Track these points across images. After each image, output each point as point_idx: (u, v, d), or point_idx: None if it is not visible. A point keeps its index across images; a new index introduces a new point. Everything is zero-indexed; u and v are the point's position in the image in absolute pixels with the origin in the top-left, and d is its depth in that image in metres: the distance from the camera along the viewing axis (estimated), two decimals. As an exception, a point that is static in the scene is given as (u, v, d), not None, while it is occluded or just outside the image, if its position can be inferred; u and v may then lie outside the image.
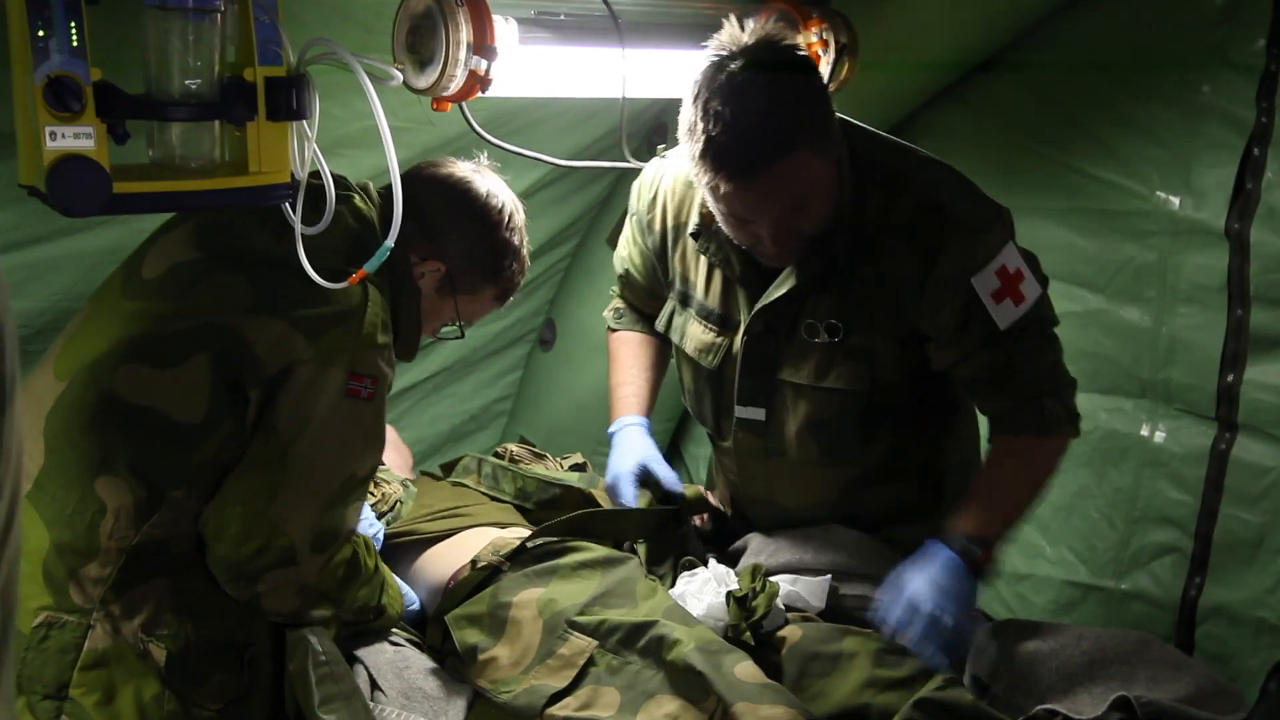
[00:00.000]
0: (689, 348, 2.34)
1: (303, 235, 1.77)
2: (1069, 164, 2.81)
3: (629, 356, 2.59)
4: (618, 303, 2.65)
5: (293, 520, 1.85)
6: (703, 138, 1.92)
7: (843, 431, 2.22)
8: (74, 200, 1.47)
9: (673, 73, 2.26)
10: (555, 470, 2.75)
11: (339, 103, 2.26)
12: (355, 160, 2.41)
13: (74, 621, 1.82)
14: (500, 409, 3.62)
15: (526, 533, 2.35)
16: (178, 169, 1.63)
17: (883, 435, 2.24)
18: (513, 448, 2.87)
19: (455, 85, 1.93)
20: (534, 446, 2.95)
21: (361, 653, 2.12)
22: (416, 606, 2.28)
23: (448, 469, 2.74)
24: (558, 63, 2.17)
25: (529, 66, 2.10)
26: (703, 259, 2.27)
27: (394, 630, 2.20)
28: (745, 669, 1.94)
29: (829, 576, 2.23)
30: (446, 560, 2.32)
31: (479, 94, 1.96)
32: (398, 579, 2.27)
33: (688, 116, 1.96)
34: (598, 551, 2.27)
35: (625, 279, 2.57)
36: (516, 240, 2.14)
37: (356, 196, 1.96)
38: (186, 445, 1.83)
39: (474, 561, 2.24)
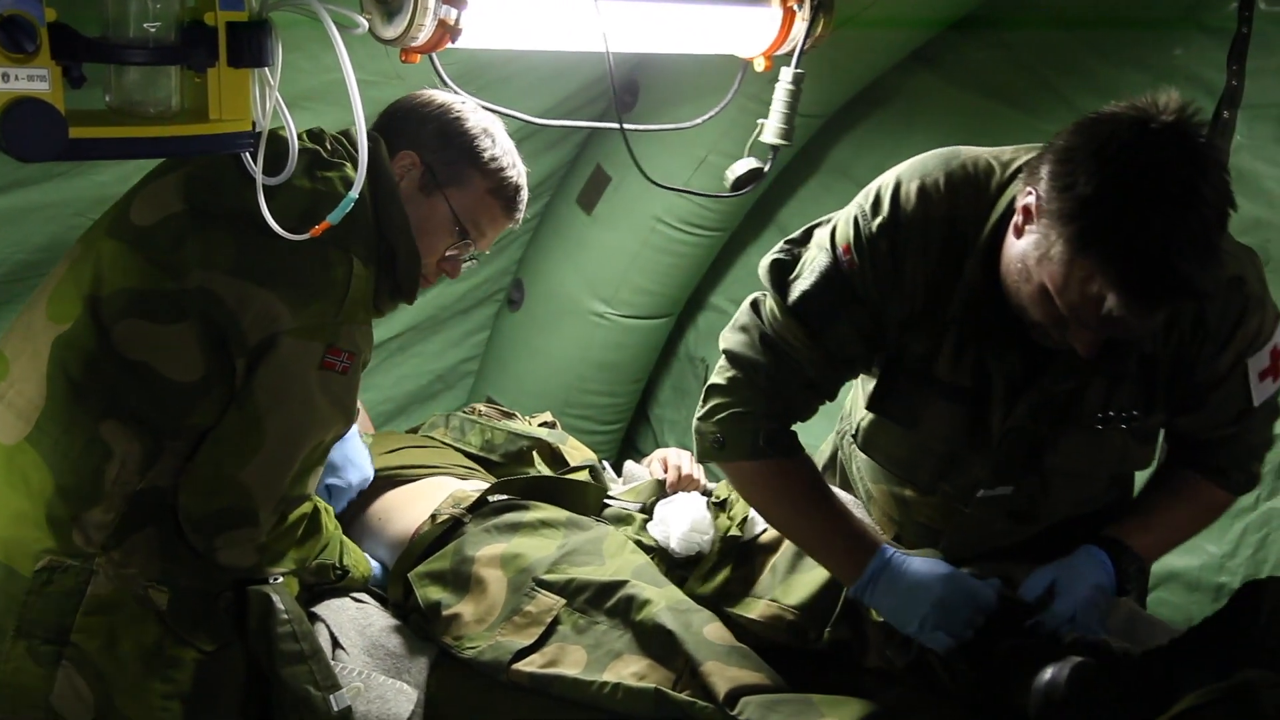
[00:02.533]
0: (925, 431, 1.97)
1: (264, 188, 1.75)
2: (1039, 128, 2.75)
3: (811, 495, 2.02)
4: (741, 411, 1.96)
5: (259, 486, 1.87)
6: (1115, 243, 1.56)
7: (1104, 497, 2.10)
8: (27, 145, 1.43)
9: (646, 27, 2.23)
10: (525, 427, 2.75)
11: (305, 55, 2.22)
12: (320, 114, 2.36)
13: (77, 566, 1.82)
14: (467, 369, 3.60)
15: (487, 485, 2.35)
16: (136, 115, 1.59)
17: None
18: (481, 408, 2.86)
19: (424, 35, 1.90)
20: (501, 406, 2.95)
21: (323, 611, 2.12)
22: (379, 573, 2.28)
23: (414, 434, 2.74)
24: (529, 14, 2.14)
25: (499, 17, 2.07)
26: (949, 331, 1.87)
27: (356, 587, 2.20)
28: (714, 630, 1.95)
29: None
30: (407, 514, 2.31)
31: (449, 44, 1.92)
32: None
33: (1082, 194, 1.57)
34: (560, 513, 2.27)
35: (793, 386, 1.95)
36: (487, 123, 2.06)
37: (349, 165, 1.92)
38: (180, 403, 1.83)
39: (434, 516, 2.24)
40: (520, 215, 2.10)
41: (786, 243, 1.98)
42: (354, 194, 1.77)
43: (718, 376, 1.99)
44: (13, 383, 1.87)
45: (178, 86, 1.61)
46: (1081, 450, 1.93)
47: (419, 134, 2.00)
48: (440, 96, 2.06)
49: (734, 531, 2.20)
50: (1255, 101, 2.51)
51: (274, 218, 1.77)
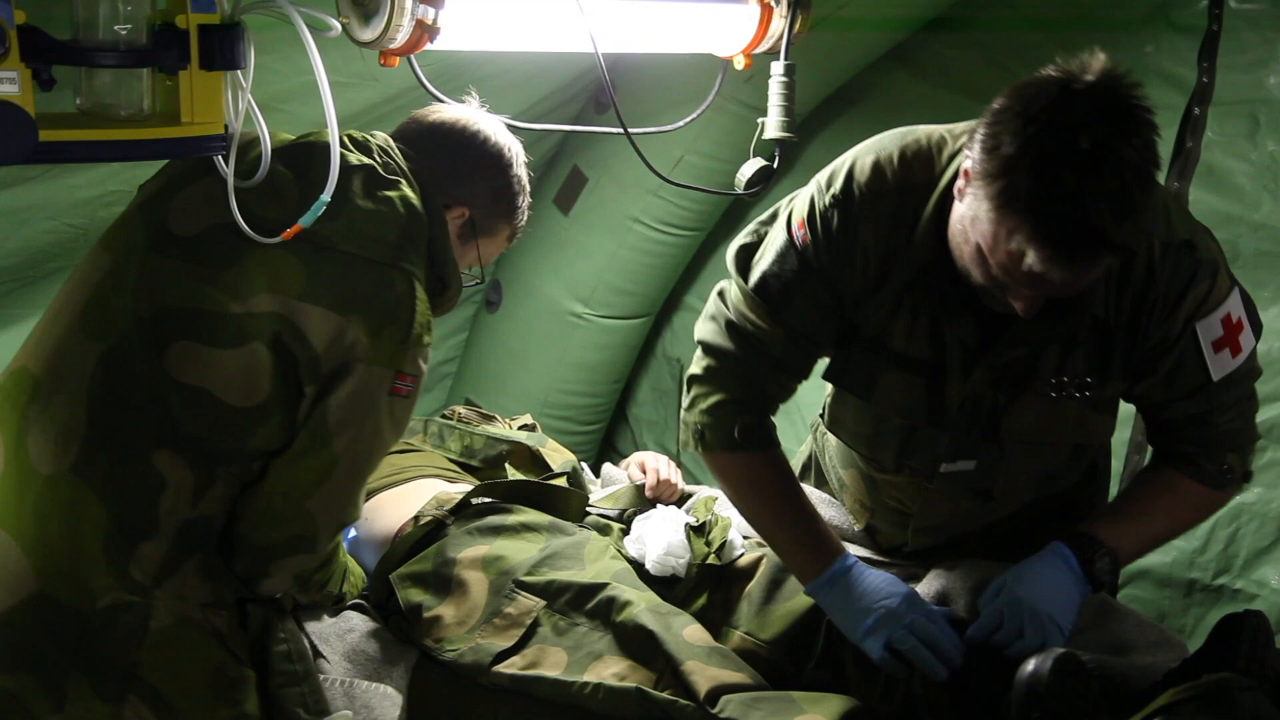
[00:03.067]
0: (883, 401, 1.99)
1: (354, 220, 1.81)
2: None
3: (781, 491, 2.04)
4: (716, 401, 1.99)
5: (323, 514, 1.88)
6: (1032, 202, 1.58)
7: (1067, 474, 2.08)
8: (-3, 148, 1.43)
9: (624, 26, 2.23)
10: (504, 430, 2.74)
11: (279, 57, 2.22)
12: (295, 115, 2.36)
13: (139, 603, 1.77)
14: (446, 370, 3.59)
15: (470, 487, 2.34)
16: (107, 117, 1.58)
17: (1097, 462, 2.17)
18: (460, 410, 2.85)
19: (402, 36, 1.88)
20: (481, 408, 2.94)
21: (301, 617, 2.10)
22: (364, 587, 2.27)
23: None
24: (508, 14, 2.13)
25: (478, 17, 2.07)
26: (903, 300, 1.90)
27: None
28: (694, 632, 1.95)
29: None
30: (391, 514, 2.30)
31: (427, 45, 1.92)
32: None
33: (1005, 154, 1.59)
34: (543, 517, 2.27)
35: (763, 364, 1.97)
36: (524, 175, 2.13)
37: (405, 182, 1.92)
38: (238, 429, 1.80)
39: (417, 517, 2.23)
40: None
41: (756, 223, 2.02)
42: (325, 197, 1.75)
43: (695, 367, 2.03)
44: (45, 405, 1.79)
45: (149, 89, 1.60)
46: (1037, 417, 1.93)
47: (475, 190, 2.04)
48: (494, 142, 2.06)
49: (711, 559, 2.16)
50: (1226, 98, 2.53)
51: (356, 240, 1.82)
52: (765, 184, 2.46)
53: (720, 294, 2.01)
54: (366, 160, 1.89)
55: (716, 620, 2.10)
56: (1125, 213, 1.57)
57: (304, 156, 1.85)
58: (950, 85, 2.92)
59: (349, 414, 1.83)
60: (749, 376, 1.98)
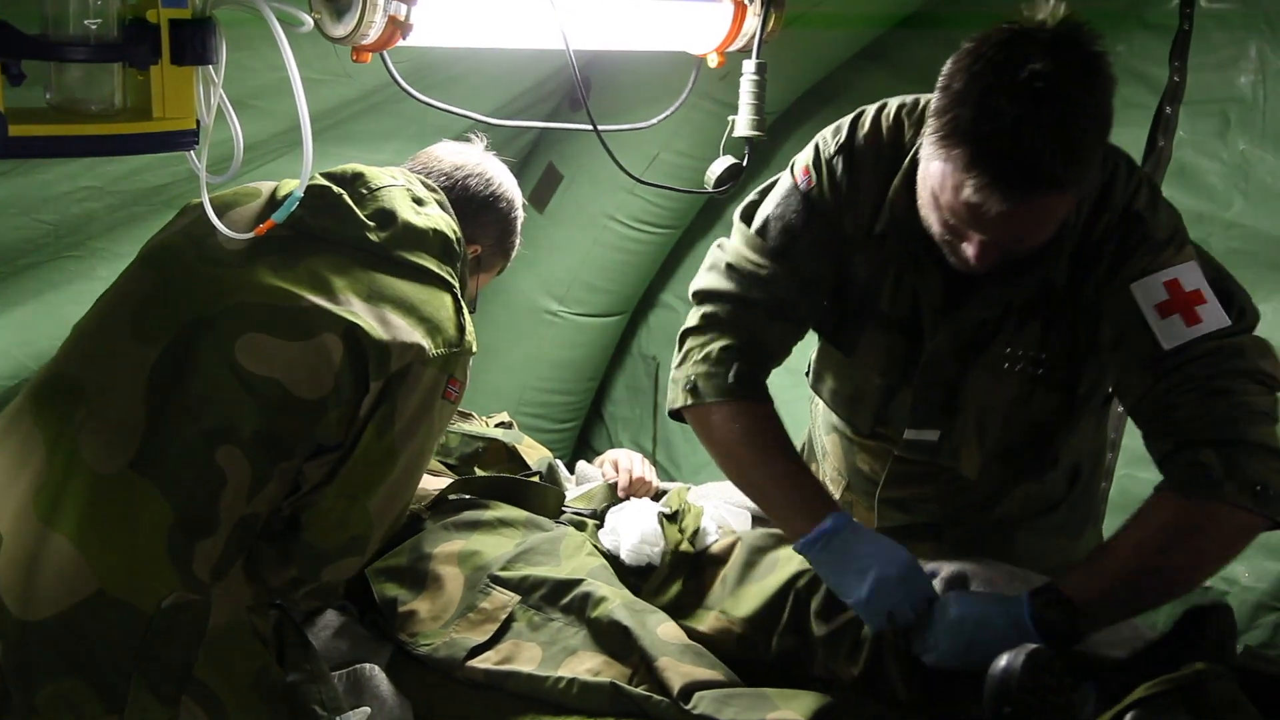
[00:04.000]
0: (866, 361, 2.01)
1: (405, 232, 1.91)
2: None
3: (776, 443, 1.99)
4: (712, 349, 1.97)
5: (379, 515, 1.92)
6: (972, 130, 1.60)
7: (1030, 456, 2.03)
8: (-33, 143, 1.42)
9: (599, 24, 2.23)
10: (481, 428, 2.74)
11: (252, 53, 2.21)
12: (268, 111, 2.37)
13: (199, 601, 1.77)
14: (421, 369, 3.58)
15: (449, 482, 2.35)
16: (77, 113, 1.57)
17: (1067, 451, 2.08)
18: (435, 408, 2.85)
19: (375, 32, 1.88)
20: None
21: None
22: None
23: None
24: (481, 11, 2.13)
25: (451, 13, 2.06)
26: (884, 255, 1.93)
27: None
28: (668, 630, 1.96)
29: (751, 507, 2.27)
30: None
31: (400, 41, 1.91)
32: None
33: (954, 90, 1.63)
34: (520, 513, 2.27)
35: (753, 306, 1.97)
36: (523, 214, 2.29)
37: (436, 203, 2.05)
38: (303, 420, 1.83)
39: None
40: None
41: (758, 191, 2.06)
42: (299, 193, 1.77)
43: (689, 319, 2.04)
44: (94, 410, 1.79)
45: (120, 84, 1.60)
46: (988, 387, 1.94)
47: (486, 229, 2.20)
48: (506, 188, 2.23)
49: (685, 546, 2.19)
50: (1197, 97, 2.55)
51: (408, 249, 1.93)
52: (735, 182, 2.47)
53: (719, 245, 2.05)
54: (399, 182, 2.02)
55: (690, 605, 2.12)
56: (1063, 147, 1.58)
57: (347, 178, 1.97)
58: (925, 82, 2.87)
59: (412, 416, 1.89)
60: (748, 320, 1.97)
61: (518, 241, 2.30)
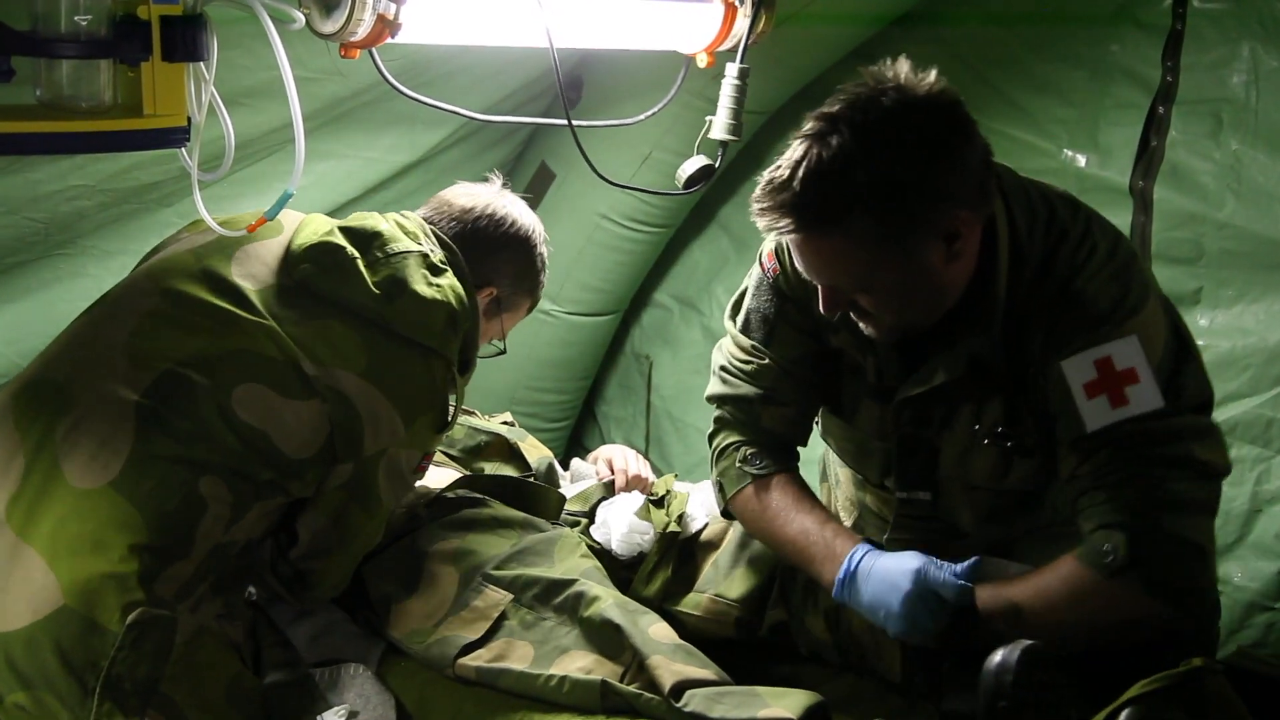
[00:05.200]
0: (864, 427, 2.03)
1: (413, 306, 1.94)
2: (980, 123, 2.76)
3: (798, 501, 2.01)
4: (725, 448, 2.08)
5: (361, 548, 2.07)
6: (767, 172, 1.72)
7: (1023, 514, 2.01)
8: (-44, 139, 1.42)
9: (589, 23, 2.23)
10: (484, 422, 2.75)
11: (244, 52, 2.20)
12: (260, 109, 2.36)
13: (166, 617, 1.76)
14: (414, 367, 3.57)
15: (453, 476, 2.35)
16: (67, 109, 1.57)
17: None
18: (439, 405, 2.85)
19: (364, 30, 1.88)
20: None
21: (269, 610, 2.10)
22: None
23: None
24: (471, 9, 2.13)
25: (440, 11, 2.06)
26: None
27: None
28: (659, 630, 1.96)
29: None
30: None
31: (389, 39, 1.92)
32: None
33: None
34: (517, 513, 2.27)
35: (759, 402, 2.04)
36: (545, 253, 2.29)
37: (452, 273, 2.05)
38: (286, 473, 1.87)
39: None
40: None
41: (741, 289, 2.10)
42: (292, 189, 1.75)
43: (711, 427, 2.13)
44: (80, 423, 1.78)
45: (110, 81, 1.60)
46: (964, 461, 1.93)
47: (501, 270, 2.20)
48: (521, 226, 2.22)
49: (673, 527, 2.21)
50: (1189, 97, 2.55)
51: (412, 326, 1.94)
52: (707, 182, 2.48)
53: (718, 348, 2.12)
54: (418, 246, 2.02)
55: (681, 592, 2.15)
56: (822, 182, 1.66)
57: (365, 237, 1.99)
58: (917, 83, 2.93)
59: (391, 489, 2.00)
60: (748, 416, 2.05)
61: (543, 278, 2.29)
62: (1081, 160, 2.69)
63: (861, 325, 1.85)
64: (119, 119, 1.60)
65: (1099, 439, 1.74)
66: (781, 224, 1.70)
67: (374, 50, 1.97)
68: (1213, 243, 2.55)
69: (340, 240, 1.95)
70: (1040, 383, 1.81)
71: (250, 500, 1.84)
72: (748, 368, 2.04)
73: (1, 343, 2.59)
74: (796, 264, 1.81)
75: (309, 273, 1.92)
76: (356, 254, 1.95)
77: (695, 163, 2.45)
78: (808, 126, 1.71)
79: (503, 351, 2.31)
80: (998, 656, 1.67)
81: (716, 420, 2.11)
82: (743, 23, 2.33)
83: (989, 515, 2.01)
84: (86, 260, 2.59)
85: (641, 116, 2.46)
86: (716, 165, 2.46)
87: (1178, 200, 2.57)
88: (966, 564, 1.82)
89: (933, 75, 1.71)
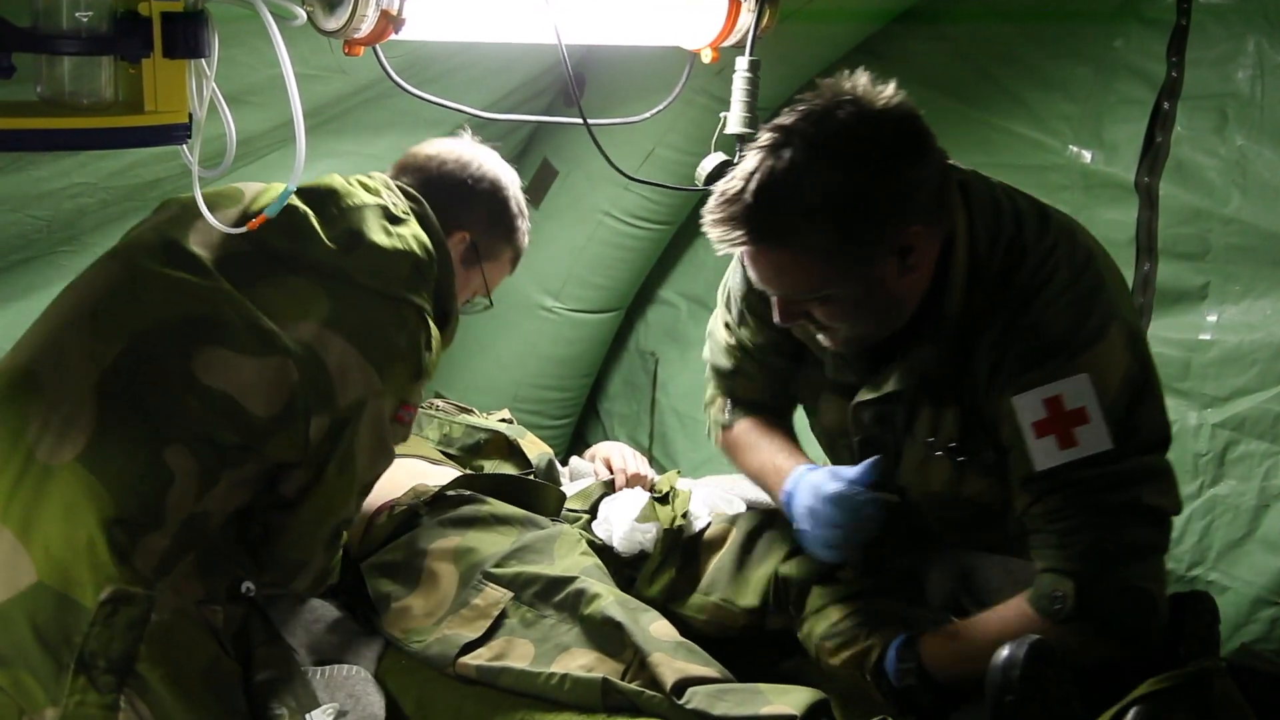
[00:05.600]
0: (824, 420, 2.07)
1: (371, 255, 1.92)
2: (984, 120, 2.82)
3: (761, 436, 2.13)
4: (714, 403, 2.22)
5: (344, 524, 2.04)
6: (720, 184, 1.73)
7: (982, 528, 2.00)
8: (-44, 136, 1.41)
9: (593, 19, 2.23)
10: (483, 420, 2.75)
11: (246, 49, 2.20)
12: (262, 106, 2.36)
13: (141, 594, 1.77)
14: (416, 365, 3.57)
15: (452, 475, 2.34)
16: (68, 106, 1.57)
17: None
18: (438, 402, 2.86)
19: (367, 26, 1.88)
20: (453, 402, 2.94)
21: (267, 608, 2.09)
22: None
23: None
24: (474, 5, 2.13)
25: (444, 8, 2.06)
26: None
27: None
28: (660, 628, 1.96)
29: (745, 496, 2.30)
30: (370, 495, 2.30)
31: (392, 35, 1.91)
32: None
33: None
34: (518, 510, 2.27)
35: (731, 374, 2.15)
36: (521, 198, 2.26)
37: (414, 221, 2.04)
38: (254, 436, 1.86)
39: (393, 507, 2.23)
40: None
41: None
42: (291, 187, 1.75)
43: None
44: (49, 403, 1.80)
45: (111, 78, 1.59)
46: (920, 470, 1.93)
47: (472, 215, 2.17)
48: (489, 169, 2.21)
49: (679, 523, 2.21)
50: (1194, 93, 2.53)
51: (373, 275, 1.92)
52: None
53: (714, 314, 2.17)
54: (376, 199, 2.01)
55: (685, 592, 2.15)
56: (761, 203, 1.67)
57: (320, 195, 1.97)
58: (919, 79, 2.89)
59: (370, 446, 1.97)
60: (724, 382, 2.17)
61: (522, 225, 2.26)
62: (1087, 156, 2.68)
63: (819, 336, 1.87)
64: (120, 116, 1.59)
65: (1047, 480, 1.74)
66: (734, 236, 1.71)
67: (377, 47, 1.97)
68: (1219, 238, 2.54)
69: (294, 200, 1.94)
70: (992, 411, 1.80)
71: (217, 468, 1.83)
72: (724, 341, 2.11)
73: (5, 340, 2.58)
74: (750, 276, 1.83)
75: (263, 233, 1.88)
76: (309, 210, 1.94)
77: (714, 159, 2.44)
78: (762, 138, 1.72)
79: (489, 305, 2.28)
80: (1005, 652, 1.67)
81: (707, 381, 2.22)
82: (747, 17, 2.32)
83: (952, 523, 2.01)
84: (88, 258, 2.55)
85: (650, 113, 2.45)
86: (735, 161, 2.45)
87: (1183, 196, 2.56)
88: (863, 465, 1.89)
89: (890, 88, 1.72)
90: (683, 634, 1.97)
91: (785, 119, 1.71)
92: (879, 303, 1.79)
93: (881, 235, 1.71)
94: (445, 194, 2.13)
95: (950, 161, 1.84)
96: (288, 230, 1.91)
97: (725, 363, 2.14)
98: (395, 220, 2.01)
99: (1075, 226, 1.87)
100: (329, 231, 1.93)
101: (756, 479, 2.12)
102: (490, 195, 2.20)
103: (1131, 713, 1.61)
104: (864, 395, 1.92)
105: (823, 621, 1.97)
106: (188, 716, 1.79)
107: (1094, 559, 1.71)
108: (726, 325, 2.11)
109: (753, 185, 1.68)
